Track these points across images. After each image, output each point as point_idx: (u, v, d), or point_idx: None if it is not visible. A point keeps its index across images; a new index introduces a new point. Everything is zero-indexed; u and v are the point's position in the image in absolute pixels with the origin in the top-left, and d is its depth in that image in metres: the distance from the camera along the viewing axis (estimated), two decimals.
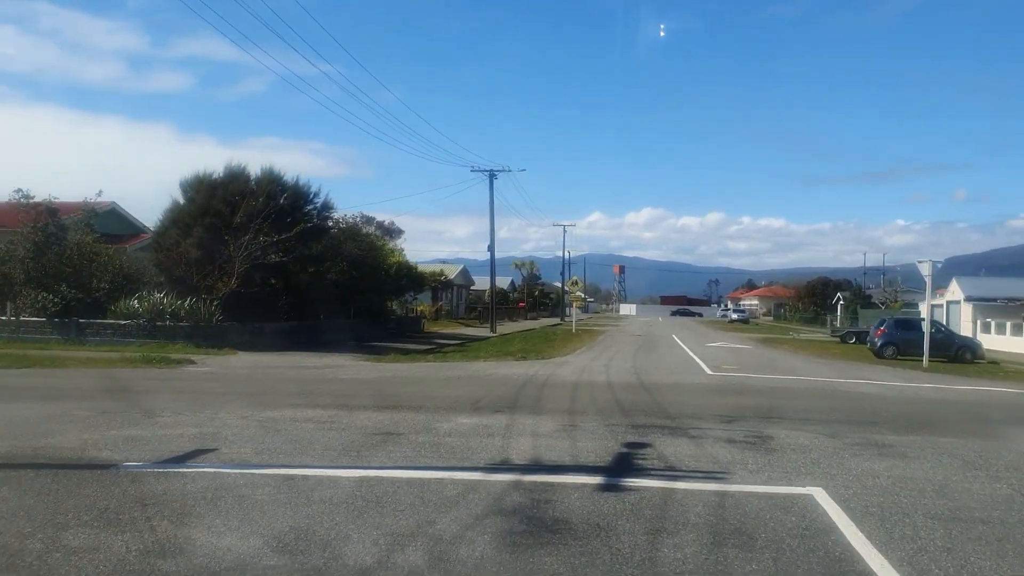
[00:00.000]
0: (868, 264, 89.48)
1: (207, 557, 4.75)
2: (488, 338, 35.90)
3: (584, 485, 6.74)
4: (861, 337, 40.44)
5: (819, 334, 53.32)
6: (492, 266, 43.70)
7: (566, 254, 78.25)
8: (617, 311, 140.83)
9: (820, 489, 6.84)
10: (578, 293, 57.62)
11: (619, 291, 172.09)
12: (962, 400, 15.11)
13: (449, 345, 29.35)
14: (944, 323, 36.83)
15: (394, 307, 38.68)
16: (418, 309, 44.67)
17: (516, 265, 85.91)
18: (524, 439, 8.88)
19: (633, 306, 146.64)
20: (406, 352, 24.00)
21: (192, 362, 18.59)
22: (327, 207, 26.15)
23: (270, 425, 9.63)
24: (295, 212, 24.75)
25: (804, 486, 6.97)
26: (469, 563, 4.74)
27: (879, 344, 29.20)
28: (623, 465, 7.69)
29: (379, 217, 48.14)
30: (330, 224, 28.22)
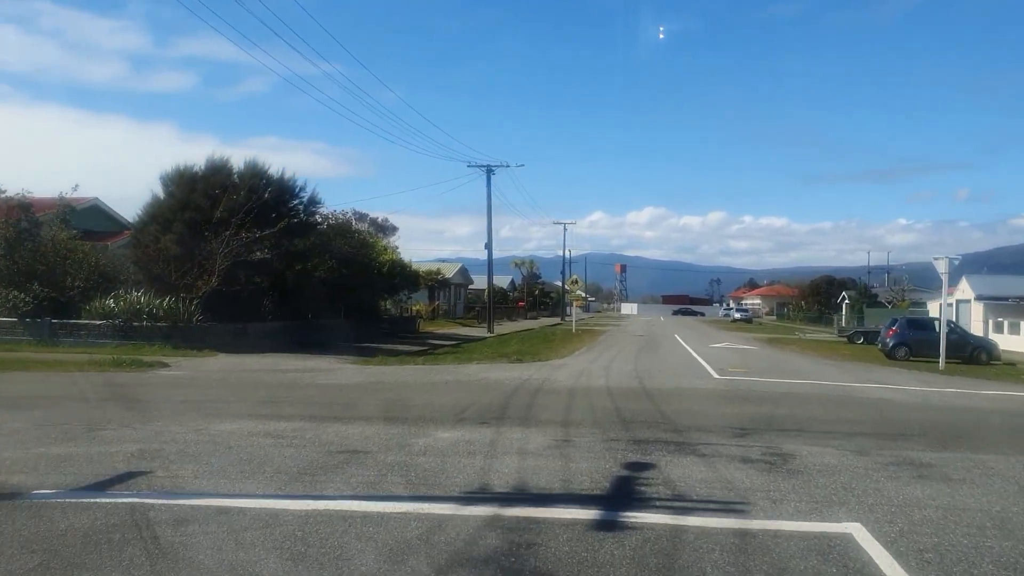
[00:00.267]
0: (871, 263, 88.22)
1: None
2: (485, 338, 34.75)
3: (576, 522, 5.59)
4: (869, 337, 39.26)
5: (825, 334, 52.12)
6: (489, 264, 42.55)
7: (567, 253, 77.08)
8: (618, 310, 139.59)
9: (859, 525, 5.70)
10: (578, 292, 56.45)
11: (620, 290, 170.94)
12: (993, 408, 13.94)
13: (443, 346, 28.20)
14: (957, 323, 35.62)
15: (388, 306, 37.54)
16: (413, 308, 43.52)
17: (516, 264, 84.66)
18: (509, 459, 7.73)
19: (635, 305, 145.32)
20: (396, 354, 22.86)
21: (165, 365, 17.46)
22: (314, 202, 25.01)
23: (223, 440, 8.50)
24: (280, 207, 23.60)
25: (840, 521, 5.83)
26: None
27: (891, 345, 28.01)
28: (623, 493, 6.54)
29: (378, 215, 47.10)
30: (317, 220, 27.06)
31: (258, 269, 24.18)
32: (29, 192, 23.84)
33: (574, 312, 53.25)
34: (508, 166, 42.29)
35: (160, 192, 23.64)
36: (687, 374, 18.17)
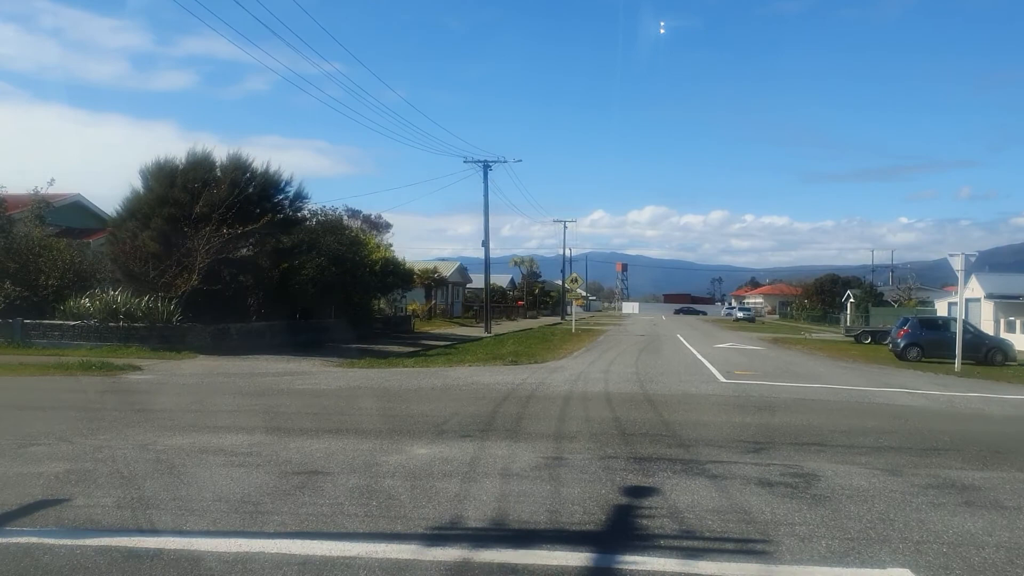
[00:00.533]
0: (875, 261, 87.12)
1: None
2: (481, 339, 33.70)
3: (563, 570, 4.55)
4: (877, 337, 38.27)
5: (830, 333, 51.09)
6: (486, 261, 41.48)
7: (567, 252, 75.99)
8: (620, 309, 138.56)
9: (909, 573, 4.66)
10: (578, 291, 55.33)
11: (622, 289, 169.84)
12: None
13: (436, 347, 27.16)
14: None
15: (382, 306, 36.49)
16: (409, 308, 42.46)
17: (515, 262, 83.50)
18: (490, 482, 6.69)
19: (636, 304, 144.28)
20: (385, 355, 21.80)
21: (137, 369, 16.41)
22: (300, 196, 23.93)
23: (168, 459, 7.47)
24: (264, 202, 22.54)
25: (884, 566, 4.79)
26: None
27: (902, 345, 26.95)
28: (621, 529, 5.49)
29: (371, 212, 46.06)
30: (304, 215, 26.01)
31: (242, 267, 23.16)
32: (2, 187, 22.83)
33: (574, 311, 52.22)
34: (505, 161, 41.30)
35: (140, 186, 22.60)
36: (692, 378, 17.12)
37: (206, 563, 4.59)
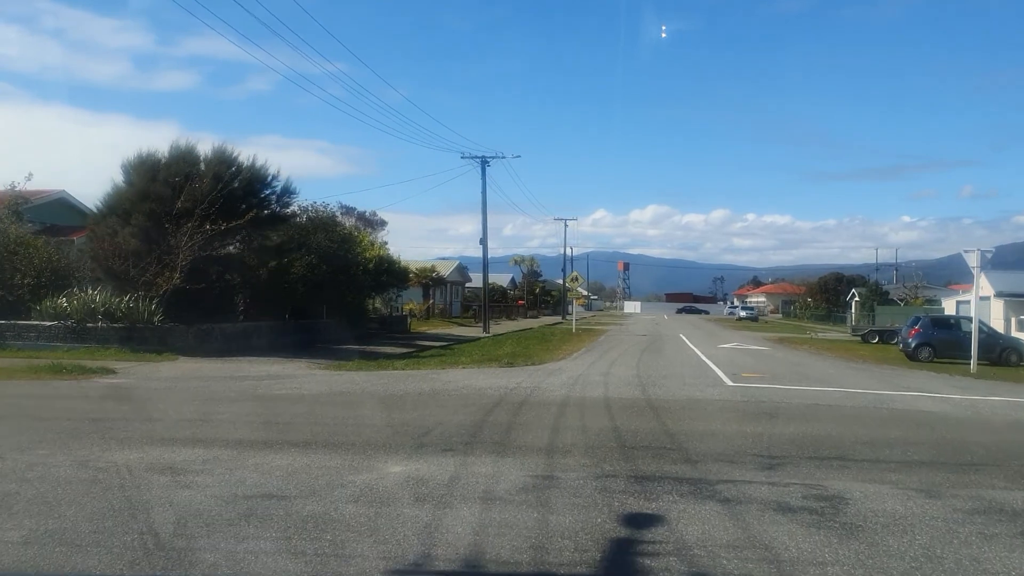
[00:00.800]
0: (879, 260, 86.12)
1: None
2: (478, 339, 32.79)
3: None
4: (885, 336, 37.37)
5: (836, 333, 50.15)
6: (484, 259, 40.57)
7: (569, 250, 75.02)
8: (621, 309, 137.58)
9: None
10: (579, 289, 54.37)
11: (623, 288, 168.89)
12: None
13: (431, 348, 26.26)
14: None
15: (377, 305, 35.60)
16: (405, 308, 41.58)
17: (515, 261, 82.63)
18: (468, 509, 5.78)
19: (638, 303, 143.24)
20: (377, 356, 20.90)
21: (111, 372, 15.53)
22: (288, 192, 23.00)
23: (106, 478, 6.59)
24: (249, 197, 21.63)
25: None
26: None
27: (913, 345, 26.01)
28: (619, 570, 4.59)
29: (366, 209, 45.14)
30: (293, 211, 25.09)
31: (228, 265, 22.28)
32: None
33: (575, 311, 51.32)
34: (503, 157, 40.39)
35: (121, 181, 21.72)
36: (697, 381, 16.20)
37: None
